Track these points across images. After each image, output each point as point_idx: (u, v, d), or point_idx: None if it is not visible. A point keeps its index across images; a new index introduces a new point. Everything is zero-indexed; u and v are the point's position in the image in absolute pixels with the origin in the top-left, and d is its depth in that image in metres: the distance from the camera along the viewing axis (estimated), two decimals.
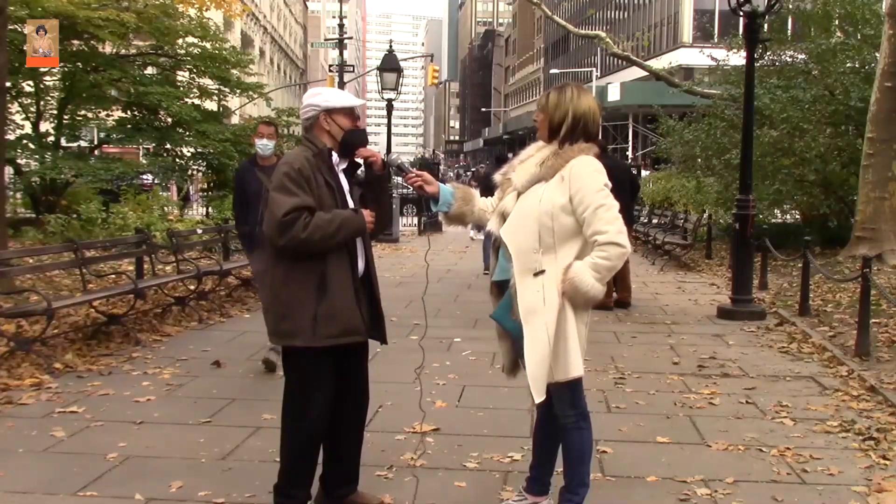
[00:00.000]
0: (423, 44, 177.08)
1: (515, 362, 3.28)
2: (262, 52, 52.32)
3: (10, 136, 12.96)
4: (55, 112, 14.96)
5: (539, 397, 2.99)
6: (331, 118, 3.28)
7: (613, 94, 42.74)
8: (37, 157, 13.82)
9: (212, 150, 15.05)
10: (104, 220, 12.28)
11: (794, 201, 14.14)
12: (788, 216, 15.57)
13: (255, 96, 18.72)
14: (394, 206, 19.46)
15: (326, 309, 3.17)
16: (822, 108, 13.04)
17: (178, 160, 15.96)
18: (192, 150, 15.76)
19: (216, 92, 17.01)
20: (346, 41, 35.14)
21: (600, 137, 3.45)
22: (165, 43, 15.25)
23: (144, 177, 18.95)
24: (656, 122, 18.18)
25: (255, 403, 5.03)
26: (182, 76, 16.36)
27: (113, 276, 8.86)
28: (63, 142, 15.19)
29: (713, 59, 16.54)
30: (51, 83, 14.94)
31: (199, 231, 10.52)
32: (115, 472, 3.93)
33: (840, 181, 12.96)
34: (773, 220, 14.97)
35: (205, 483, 3.77)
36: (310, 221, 3.10)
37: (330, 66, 44.43)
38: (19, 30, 11.74)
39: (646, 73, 26.16)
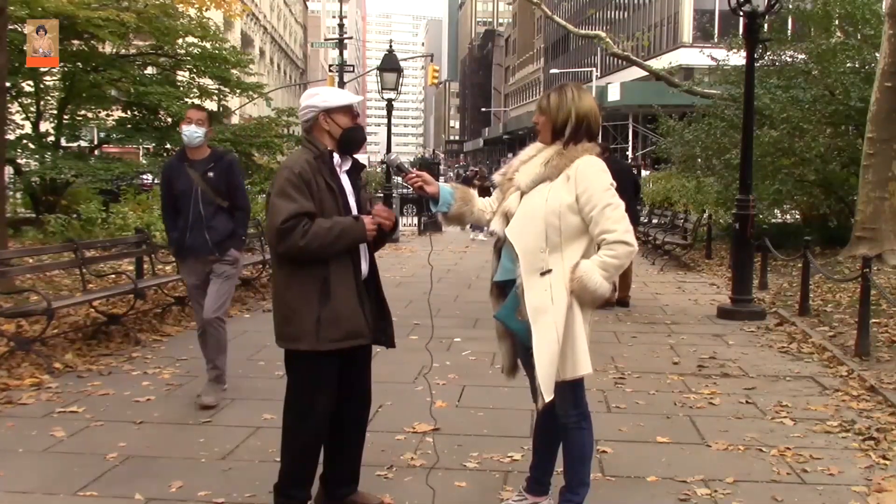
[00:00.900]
0: (423, 44, 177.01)
1: (515, 363, 3.28)
2: (262, 52, 52.34)
3: (10, 136, 12.97)
4: (55, 112, 14.96)
5: (549, 396, 2.99)
6: (330, 118, 3.27)
7: (613, 95, 42.76)
8: (37, 157, 13.83)
9: None
10: (104, 220, 12.29)
11: (794, 201, 14.13)
12: (788, 216, 15.55)
13: (255, 96, 18.73)
14: (394, 207, 19.50)
15: (329, 313, 3.16)
16: (822, 108, 13.04)
17: None
18: None
19: (216, 92, 17.01)
20: (346, 41, 35.18)
21: (600, 138, 3.45)
22: (165, 43, 15.25)
23: (144, 177, 18.95)
24: (656, 122, 18.18)
25: (255, 403, 5.03)
26: (182, 76, 16.36)
27: (113, 276, 8.86)
28: (63, 142, 15.20)
29: (713, 59, 16.51)
30: (51, 83, 14.94)
31: None
32: (115, 471, 3.93)
33: (840, 181, 12.95)
34: (773, 220, 14.95)
35: (205, 483, 3.78)
36: (309, 229, 3.09)
37: (330, 65, 44.44)
38: (19, 30, 11.75)
39: (646, 74, 26.13)
